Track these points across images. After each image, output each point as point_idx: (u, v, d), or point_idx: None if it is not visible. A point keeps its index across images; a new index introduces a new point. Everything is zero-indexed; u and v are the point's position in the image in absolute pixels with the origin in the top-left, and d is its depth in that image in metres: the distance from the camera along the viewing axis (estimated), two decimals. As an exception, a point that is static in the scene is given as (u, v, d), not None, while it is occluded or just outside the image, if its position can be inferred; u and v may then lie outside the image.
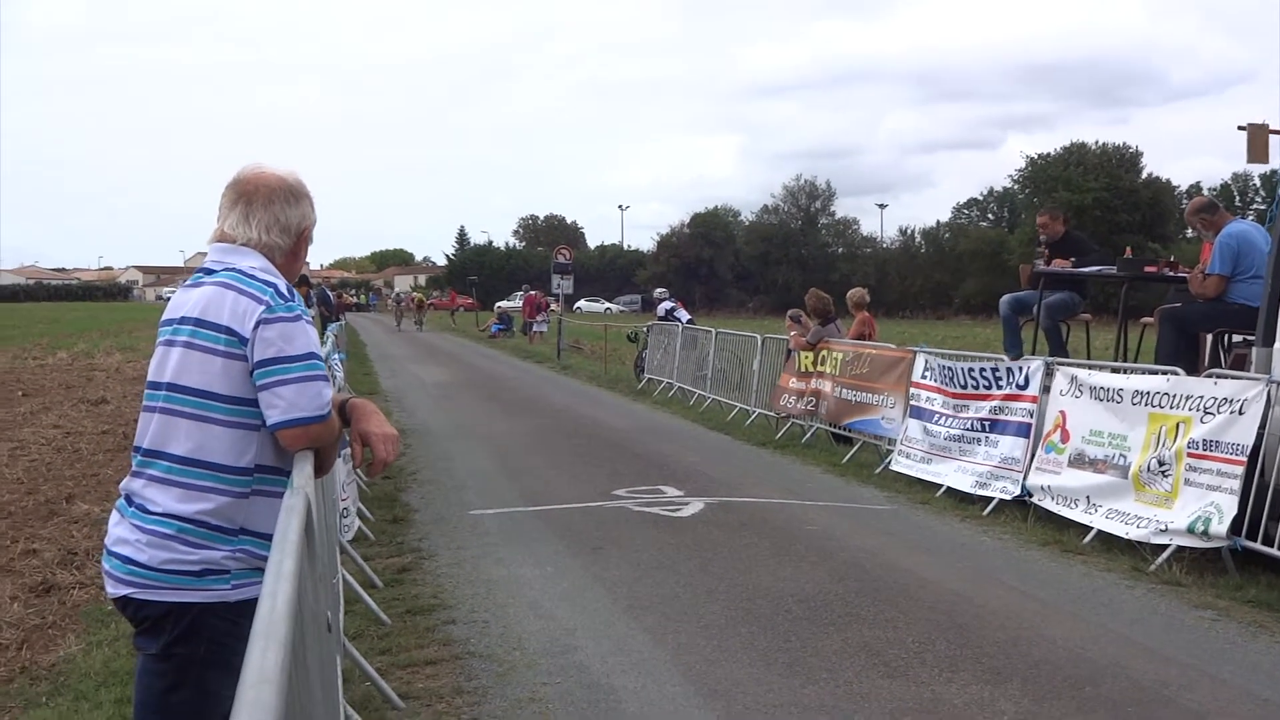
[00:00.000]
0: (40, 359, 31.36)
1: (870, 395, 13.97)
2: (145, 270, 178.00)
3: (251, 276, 3.48)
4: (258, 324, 3.39)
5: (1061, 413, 10.28)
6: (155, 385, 3.50)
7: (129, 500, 3.47)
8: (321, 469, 3.58)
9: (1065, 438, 10.14)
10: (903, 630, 7.02)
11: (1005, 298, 12.80)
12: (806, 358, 15.93)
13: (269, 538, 3.33)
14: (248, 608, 3.36)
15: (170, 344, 3.49)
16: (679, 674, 6.22)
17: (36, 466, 12.95)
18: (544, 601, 7.66)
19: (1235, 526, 8.16)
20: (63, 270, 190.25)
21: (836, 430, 15.09)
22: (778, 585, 8.08)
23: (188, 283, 3.65)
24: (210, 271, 3.55)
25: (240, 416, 3.42)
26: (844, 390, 14.64)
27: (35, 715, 5.56)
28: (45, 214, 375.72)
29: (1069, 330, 13.09)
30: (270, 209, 3.61)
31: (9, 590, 7.74)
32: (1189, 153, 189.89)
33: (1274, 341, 8.76)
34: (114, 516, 3.52)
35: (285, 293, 3.49)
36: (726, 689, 5.98)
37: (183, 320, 3.48)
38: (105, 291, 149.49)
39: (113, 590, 3.47)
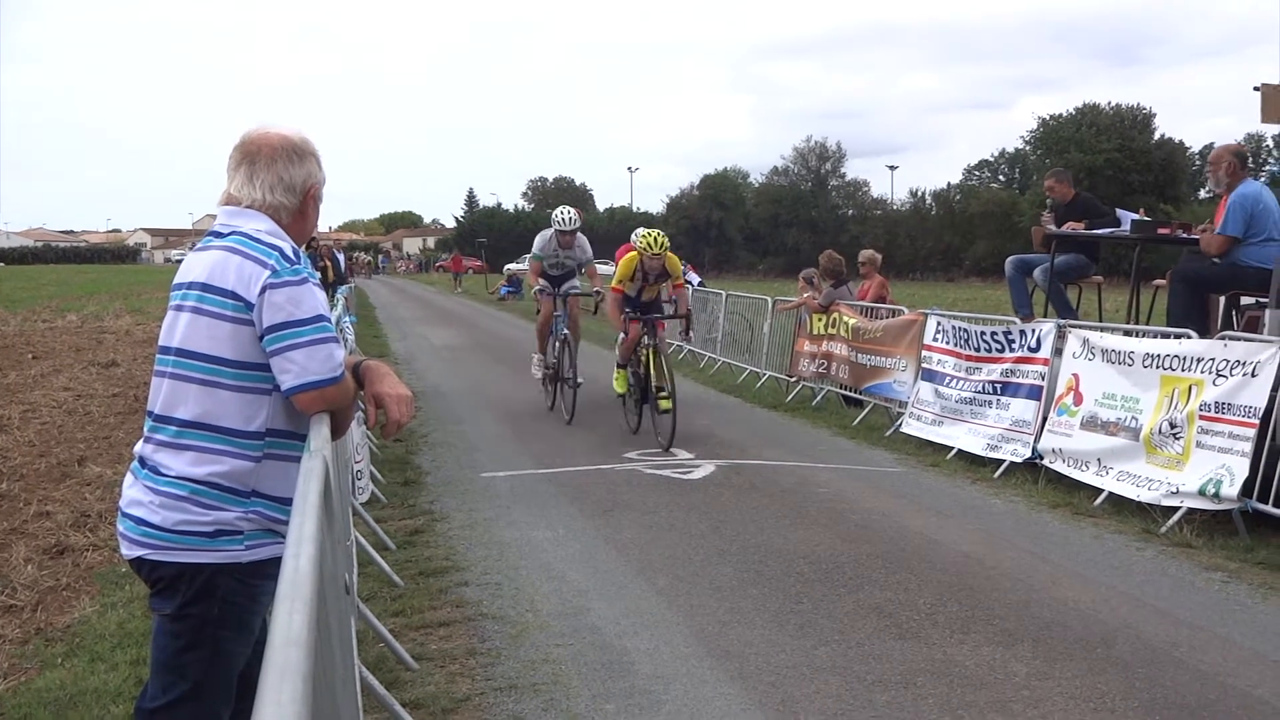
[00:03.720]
0: (50, 321, 31.38)
1: (883, 359, 13.93)
2: (153, 233, 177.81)
3: (257, 240, 3.47)
4: (264, 289, 3.38)
5: (1074, 375, 10.25)
6: (165, 350, 3.51)
7: (142, 463, 3.49)
8: (337, 431, 3.58)
9: (1078, 400, 10.12)
10: (914, 592, 7.03)
11: (1011, 258, 12.77)
12: (819, 320, 15.89)
13: (282, 500, 3.35)
14: (261, 568, 3.40)
15: (179, 309, 3.50)
16: (691, 635, 6.24)
17: (48, 429, 12.99)
18: (556, 564, 7.68)
19: (1246, 489, 8.15)
20: (70, 233, 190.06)
21: (847, 393, 15.08)
22: (789, 547, 8.09)
23: (198, 246, 3.65)
24: (219, 235, 3.55)
25: (249, 381, 3.42)
26: (858, 354, 14.59)
27: (51, 676, 5.58)
28: (52, 176, 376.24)
29: (1080, 293, 13.05)
30: (274, 168, 3.59)
31: (23, 553, 7.77)
32: (1204, 113, 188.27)
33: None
34: (128, 479, 3.54)
35: (291, 255, 3.47)
36: (739, 650, 6.00)
37: (190, 285, 3.48)
38: (113, 254, 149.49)
39: (127, 551, 3.49)
